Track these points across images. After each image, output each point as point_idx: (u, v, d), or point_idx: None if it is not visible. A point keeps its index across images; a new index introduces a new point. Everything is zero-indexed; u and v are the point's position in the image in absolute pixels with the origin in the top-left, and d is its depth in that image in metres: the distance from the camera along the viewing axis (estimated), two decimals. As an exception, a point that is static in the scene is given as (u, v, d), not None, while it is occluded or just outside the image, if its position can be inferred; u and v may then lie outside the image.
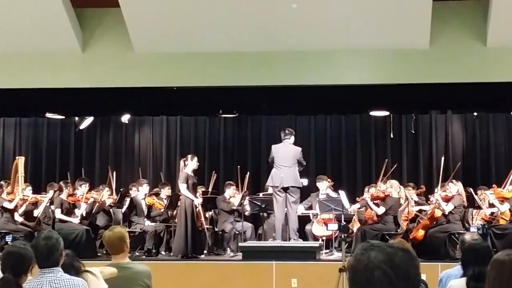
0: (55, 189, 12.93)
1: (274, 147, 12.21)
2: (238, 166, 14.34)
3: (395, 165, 13.51)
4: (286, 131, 12.29)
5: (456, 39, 11.49)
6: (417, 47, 11.38)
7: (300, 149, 12.20)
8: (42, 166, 16.39)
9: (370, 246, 2.21)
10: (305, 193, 13.18)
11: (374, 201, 12.38)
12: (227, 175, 15.45)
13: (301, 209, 12.97)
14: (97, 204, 13.02)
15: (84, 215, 12.73)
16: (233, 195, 13.49)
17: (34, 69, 11.98)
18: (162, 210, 13.19)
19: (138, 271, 5.81)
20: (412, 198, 12.62)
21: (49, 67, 11.94)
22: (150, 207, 13.42)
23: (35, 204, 12.87)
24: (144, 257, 12.40)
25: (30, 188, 12.98)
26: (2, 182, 13.22)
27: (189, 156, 12.56)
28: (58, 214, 12.47)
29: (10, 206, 12.43)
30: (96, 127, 16.56)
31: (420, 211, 12.72)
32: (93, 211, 13.02)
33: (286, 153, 12.00)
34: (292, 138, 12.22)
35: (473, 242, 5.33)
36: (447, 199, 11.97)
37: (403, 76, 11.61)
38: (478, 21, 11.42)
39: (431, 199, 12.41)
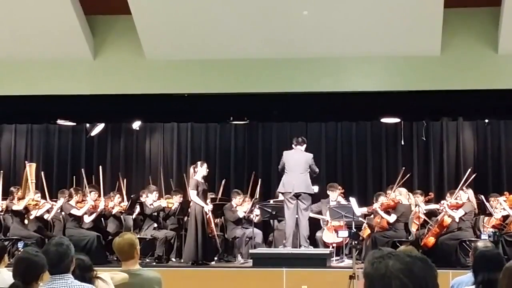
0: (66, 195, 12.98)
1: (286, 153, 12.21)
2: (253, 172, 14.33)
3: (408, 175, 13.46)
4: (299, 139, 12.28)
5: (467, 46, 11.47)
6: (428, 54, 11.36)
7: (311, 155, 12.20)
8: (53, 172, 16.42)
9: (388, 254, 2.18)
10: (316, 200, 13.16)
11: (385, 210, 12.34)
12: (238, 181, 15.47)
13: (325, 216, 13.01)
14: (105, 209, 13.10)
15: (92, 219, 12.81)
16: (240, 203, 13.45)
17: (45, 76, 12.03)
18: (173, 208, 13.13)
19: (148, 278, 5.80)
20: (420, 207, 12.56)
21: (60, 74, 11.99)
22: (162, 210, 13.35)
23: (47, 211, 12.90)
24: (154, 263, 12.39)
25: (39, 195, 13.00)
26: (13, 189, 13.26)
27: (199, 162, 12.57)
28: (69, 221, 12.56)
29: (19, 207, 12.48)
30: (107, 134, 16.59)
31: (429, 217, 12.67)
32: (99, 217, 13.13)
33: (298, 160, 11.99)
34: (304, 146, 12.22)
35: (484, 249, 5.31)
36: (457, 207, 11.95)
37: (414, 83, 11.60)
38: (490, 28, 11.40)
39: (440, 208, 12.39)
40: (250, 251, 12.32)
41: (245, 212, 13.25)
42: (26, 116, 13.86)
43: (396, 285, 2.10)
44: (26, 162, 14.41)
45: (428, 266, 2.18)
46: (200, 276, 11.54)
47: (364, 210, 13.01)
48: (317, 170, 12.26)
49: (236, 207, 13.39)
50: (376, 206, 12.64)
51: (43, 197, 13.11)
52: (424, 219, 12.68)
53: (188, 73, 11.90)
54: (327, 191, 13.50)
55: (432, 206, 12.86)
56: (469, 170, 13.09)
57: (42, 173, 14.01)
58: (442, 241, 11.84)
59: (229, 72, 11.81)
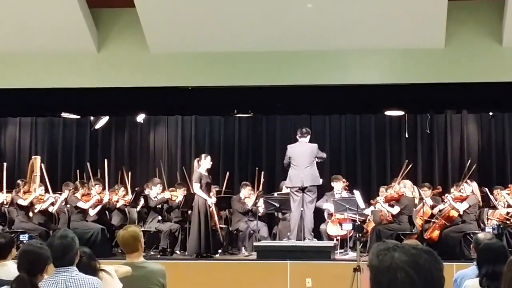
0: (71, 188, 13.00)
1: (290, 147, 12.19)
2: (257, 168, 14.32)
3: (410, 166, 13.43)
4: (303, 130, 12.25)
5: (471, 38, 11.44)
6: (433, 47, 11.34)
7: (316, 145, 12.18)
8: (58, 165, 16.44)
9: (394, 246, 2.19)
10: (319, 192, 13.15)
11: (389, 203, 12.32)
12: (242, 174, 15.48)
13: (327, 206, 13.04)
14: (109, 202, 13.14)
15: (96, 212, 12.85)
16: (248, 195, 13.46)
17: (49, 69, 12.03)
18: (177, 201, 13.15)
19: (152, 270, 5.81)
20: (425, 201, 12.51)
21: (64, 67, 11.99)
22: (165, 202, 13.37)
23: (52, 204, 12.92)
24: (159, 256, 12.43)
25: (42, 188, 12.98)
26: (19, 181, 13.28)
27: (203, 155, 12.56)
28: (74, 213, 12.59)
29: (25, 203, 12.49)
30: (112, 127, 16.61)
31: (438, 210, 12.64)
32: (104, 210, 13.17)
33: (303, 153, 11.97)
34: (308, 138, 12.20)
35: (489, 242, 5.31)
36: (461, 200, 11.94)
37: (418, 75, 11.57)
38: (494, 21, 11.36)
39: (444, 200, 12.37)
40: (254, 243, 12.33)
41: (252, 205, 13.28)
42: (30, 109, 13.88)
43: (402, 277, 2.11)
44: (32, 156, 14.45)
45: (434, 259, 2.18)
46: (204, 269, 11.55)
47: (369, 210, 12.99)
48: (324, 155, 12.29)
49: (244, 198, 13.40)
50: (379, 199, 12.62)
51: (47, 190, 13.11)
52: (431, 213, 12.64)
53: (192, 66, 11.89)
54: (331, 183, 13.49)
55: (440, 207, 12.71)
56: (469, 161, 13.11)
57: (47, 166, 14.01)
58: (446, 234, 11.83)
59: (233, 65, 11.80)
